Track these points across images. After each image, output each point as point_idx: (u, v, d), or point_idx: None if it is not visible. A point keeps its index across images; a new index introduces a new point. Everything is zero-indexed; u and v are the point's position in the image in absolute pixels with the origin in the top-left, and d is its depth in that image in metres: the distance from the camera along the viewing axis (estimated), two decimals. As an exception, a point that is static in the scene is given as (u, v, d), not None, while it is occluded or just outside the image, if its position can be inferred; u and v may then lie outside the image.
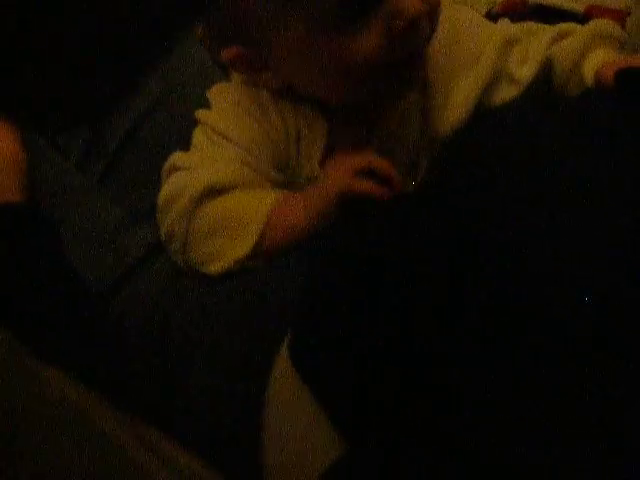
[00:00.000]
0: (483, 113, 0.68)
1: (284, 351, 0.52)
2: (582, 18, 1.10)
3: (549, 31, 0.71)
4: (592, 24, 0.70)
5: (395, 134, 0.71)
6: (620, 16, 1.08)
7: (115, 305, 0.70)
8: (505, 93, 0.70)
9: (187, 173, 0.68)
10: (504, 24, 0.73)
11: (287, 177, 0.71)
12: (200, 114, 0.72)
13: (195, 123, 0.73)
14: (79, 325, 0.65)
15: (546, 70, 0.71)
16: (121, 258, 0.73)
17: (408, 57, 0.62)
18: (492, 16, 1.08)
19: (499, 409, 0.41)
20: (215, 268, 0.66)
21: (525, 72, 0.70)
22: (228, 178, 0.67)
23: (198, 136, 0.71)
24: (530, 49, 0.71)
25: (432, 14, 0.62)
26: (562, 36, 0.71)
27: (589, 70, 0.67)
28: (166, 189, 0.68)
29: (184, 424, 0.55)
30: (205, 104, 0.75)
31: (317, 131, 0.70)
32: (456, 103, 0.69)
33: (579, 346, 0.41)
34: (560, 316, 0.42)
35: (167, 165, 0.70)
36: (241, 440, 0.53)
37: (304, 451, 0.46)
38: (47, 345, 0.52)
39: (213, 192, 0.66)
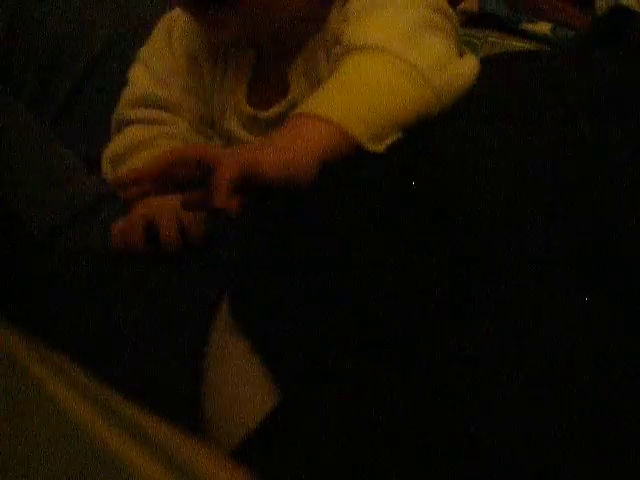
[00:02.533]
0: None
1: (225, 306, 0.52)
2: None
3: None
4: None
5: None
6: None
7: (60, 252, 0.69)
8: None
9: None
10: None
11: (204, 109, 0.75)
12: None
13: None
14: (17, 269, 0.63)
15: None
16: (70, 204, 0.73)
17: None
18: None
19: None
20: None
21: None
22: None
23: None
24: None
25: None
26: None
27: None
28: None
29: (124, 373, 0.55)
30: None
31: (244, 64, 0.73)
32: None
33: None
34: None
35: None
36: (180, 392, 0.53)
37: (242, 402, 0.47)
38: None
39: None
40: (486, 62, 0.66)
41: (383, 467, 0.38)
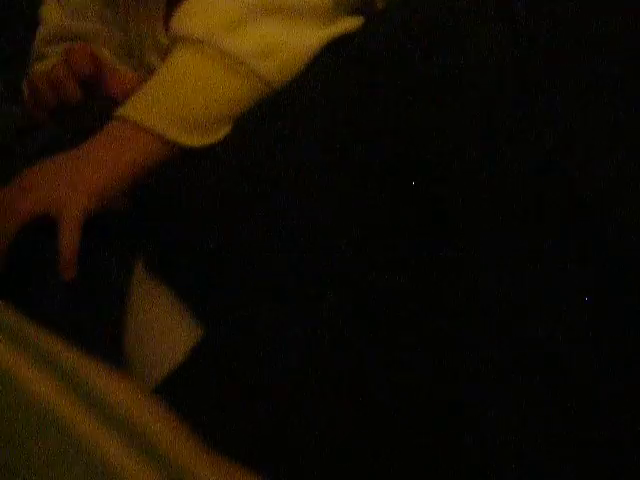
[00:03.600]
0: None
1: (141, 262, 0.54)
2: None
3: None
4: None
5: None
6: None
7: None
8: None
9: None
10: None
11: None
12: None
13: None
14: None
15: None
16: None
17: None
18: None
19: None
20: None
21: None
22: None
23: None
24: None
25: None
26: None
27: None
28: None
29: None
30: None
31: None
32: None
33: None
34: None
35: None
36: (102, 339, 0.53)
37: (164, 343, 0.48)
38: None
39: None
40: None
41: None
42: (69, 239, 0.53)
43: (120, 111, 0.59)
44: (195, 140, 0.57)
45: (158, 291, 0.51)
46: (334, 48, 0.58)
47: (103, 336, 0.53)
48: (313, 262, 0.46)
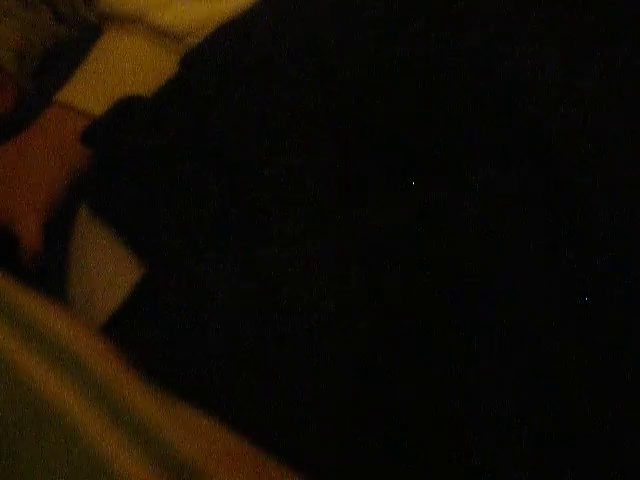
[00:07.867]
0: None
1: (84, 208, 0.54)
2: None
3: None
4: None
5: None
6: None
7: None
8: None
9: None
10: None
11: None
12: None
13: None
14: None
15: None
16: None
17: None
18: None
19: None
20: None
21: None
22: None
23: None
24: None
25: None
26: None
27: None
28: None
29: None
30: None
31: None
32: None
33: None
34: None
35: None
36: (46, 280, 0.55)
37: (107, 284, 0.49)
38: None
39: None
40: None
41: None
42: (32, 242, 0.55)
43: (58, 97, 0.59)
44: None
45: (101, 233, 0.51)
46: None
47: (46, 278, 0.53)
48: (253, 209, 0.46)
